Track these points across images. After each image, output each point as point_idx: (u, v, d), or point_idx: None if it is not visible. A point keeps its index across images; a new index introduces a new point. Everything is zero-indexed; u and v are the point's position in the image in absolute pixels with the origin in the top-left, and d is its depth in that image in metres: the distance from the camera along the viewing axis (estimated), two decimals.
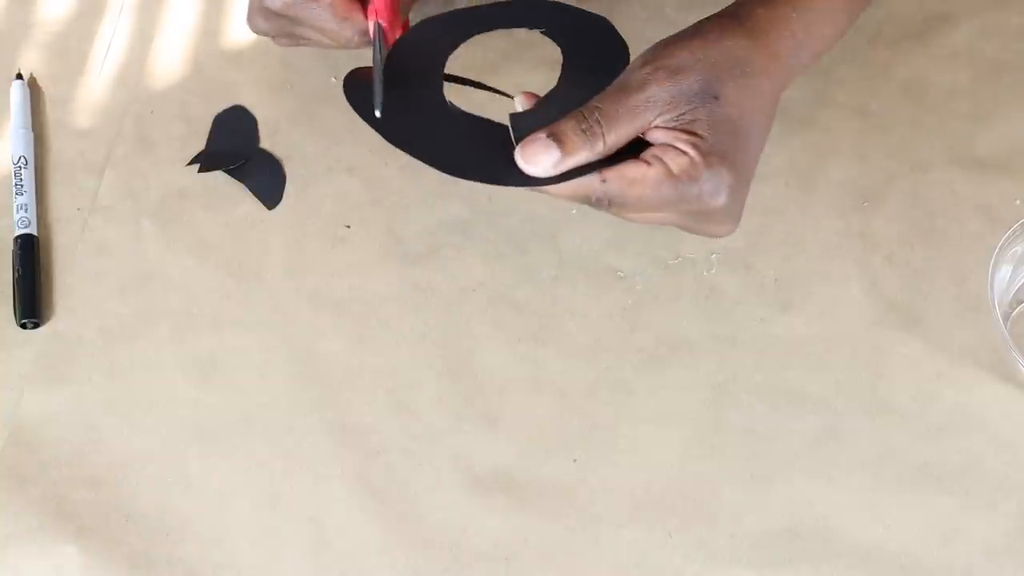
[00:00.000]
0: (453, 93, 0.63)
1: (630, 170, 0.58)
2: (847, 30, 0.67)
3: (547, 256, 0.73)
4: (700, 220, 0.60)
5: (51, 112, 0.78)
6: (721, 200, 0.58)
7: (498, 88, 0.67)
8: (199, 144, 0.77)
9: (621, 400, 0.69)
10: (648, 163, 0.58)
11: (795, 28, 0.63)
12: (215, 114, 0.78)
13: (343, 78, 0.63)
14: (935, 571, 0.64)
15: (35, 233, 0.73)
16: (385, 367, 0.70)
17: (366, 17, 0.66)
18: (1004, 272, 0.69)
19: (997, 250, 0.67)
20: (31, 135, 0.77)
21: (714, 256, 0.73)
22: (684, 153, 0.58)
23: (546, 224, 0.74)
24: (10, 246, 0.73)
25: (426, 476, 0.67)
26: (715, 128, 0.58)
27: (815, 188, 0.75)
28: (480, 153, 0.60)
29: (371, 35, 0.65)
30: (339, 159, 0.76)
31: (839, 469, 0.67)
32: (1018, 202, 0.74)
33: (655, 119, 0.58)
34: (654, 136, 0.59)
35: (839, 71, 0.78)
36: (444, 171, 0.60)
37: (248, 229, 0.74)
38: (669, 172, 0.58)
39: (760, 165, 0.75)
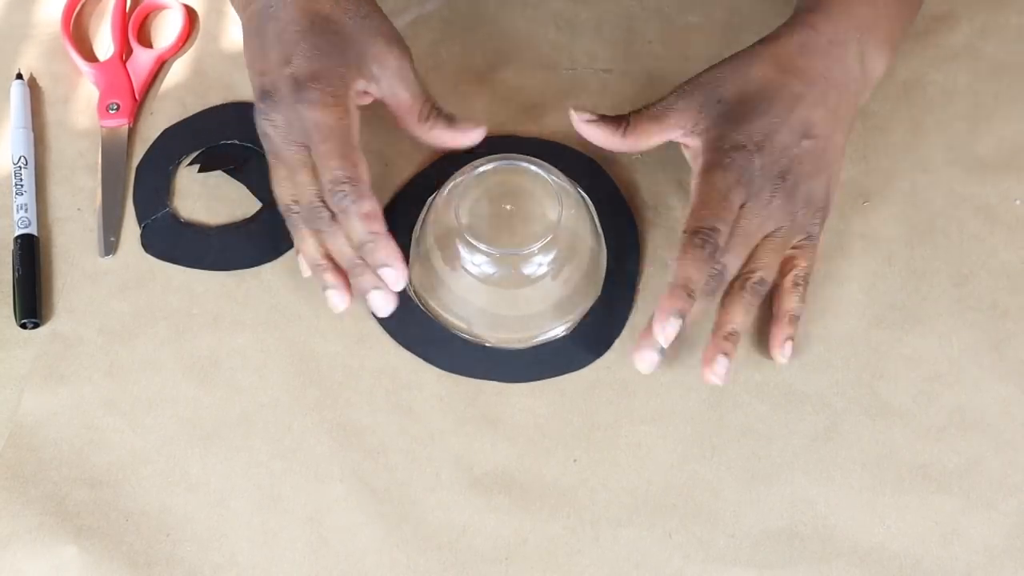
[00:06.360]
0: None
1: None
2: None
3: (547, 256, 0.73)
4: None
5: (51, 112, 0.78)
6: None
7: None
8: None
9: (621, 400, 0.69)
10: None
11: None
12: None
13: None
14: (935, 571, 0.64)
15: (35, 233, 0.73)
16: (385, 367, 0.70)
17: None
18: None
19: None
20: (31, 135, 0.77)
21: None
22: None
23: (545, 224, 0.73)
24: (10, 246, 0.73)
25: (426, 476, 0.67)
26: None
27: None
28: None
29: None
30: None
31: (839, 469, 0.67)
32: (1018, 202, 0.74)
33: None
34: None
35: None
36: None
37: None
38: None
39: None
